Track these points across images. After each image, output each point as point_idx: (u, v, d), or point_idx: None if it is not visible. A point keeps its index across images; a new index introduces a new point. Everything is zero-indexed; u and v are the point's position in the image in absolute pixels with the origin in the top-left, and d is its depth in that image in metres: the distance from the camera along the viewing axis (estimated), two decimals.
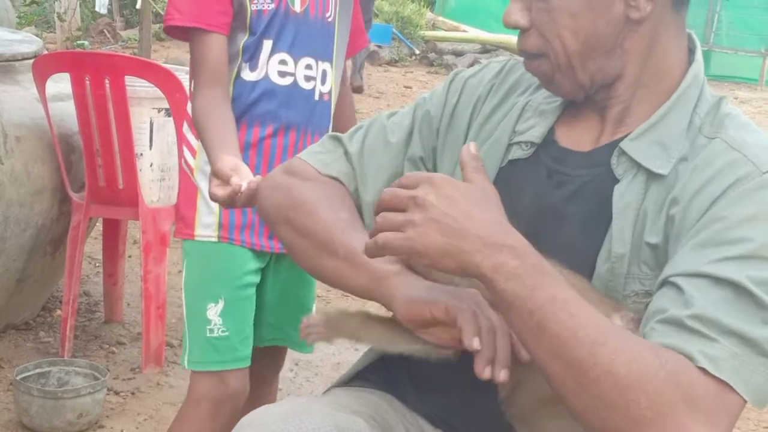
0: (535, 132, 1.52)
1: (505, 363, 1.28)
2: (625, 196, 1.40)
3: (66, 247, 3.76)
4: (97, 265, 4.59)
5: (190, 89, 2.51)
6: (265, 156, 2.48)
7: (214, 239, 2.51)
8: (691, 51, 1.50)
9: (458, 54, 13.93)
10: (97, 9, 11.70)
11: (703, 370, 1.19)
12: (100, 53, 4.88)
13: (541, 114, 1.53)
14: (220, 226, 2.50)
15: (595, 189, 1.43)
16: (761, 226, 1.28)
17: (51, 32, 11.38)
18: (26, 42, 4.07)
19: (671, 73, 1.46)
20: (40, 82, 3.64)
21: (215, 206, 2.45)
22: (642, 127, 1.43)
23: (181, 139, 2.52)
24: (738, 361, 1.21)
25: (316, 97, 2.50)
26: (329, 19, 2.54)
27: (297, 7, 2.47)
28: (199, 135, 2.39)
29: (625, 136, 1.44)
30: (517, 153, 1.53)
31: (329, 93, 2.55)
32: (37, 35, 9.80)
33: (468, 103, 1.63)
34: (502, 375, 1.27)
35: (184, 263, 2.55)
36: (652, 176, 1.39)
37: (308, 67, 2.49)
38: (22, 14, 8.35)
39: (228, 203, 2.09)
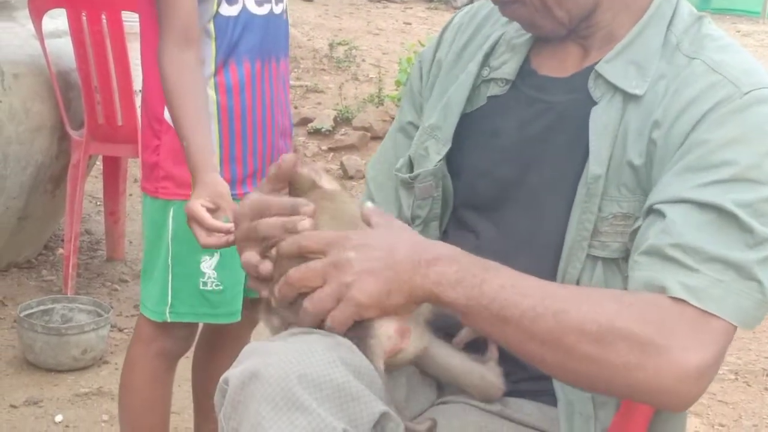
0: (508, 68, 1.50)
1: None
2: (602, 117, 1.38)
3: (66, 185, 3.76)
4: (98, 203, 4.59)
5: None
6: (258, 93, 2.41)
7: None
8: None
9: None
10: None
11: (682, 300, 1.20)
12: None
13: (513, 48, 1.52)
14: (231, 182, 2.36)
15: (575, 114, 1.41)
16: (744, 148, 1.27)
17: None
18: None
19: None
20: (37, 18, 3.61)
21: (214, 161, 2.33)
22: (616, 48, 1.41)
23: (160, 87, 2.31)
24: (721, 288, 1.21)
25: (285, 18, 2.44)
26: None
27: None
28: (172, 112, 2.24)
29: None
30: (494, 90, 1.51)
31: (286, 10, 2.47)
32: None
33: (439, 56, 1.62)
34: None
35: (164, 212, 2.39)
36: (628, 97, 1.37)
37: None
38: None
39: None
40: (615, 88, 1.38)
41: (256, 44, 2.36)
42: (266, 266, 1.27)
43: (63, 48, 3.71)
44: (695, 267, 1.22)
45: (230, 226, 1.91)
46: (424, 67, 1.64)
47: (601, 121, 1.38)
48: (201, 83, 2.27)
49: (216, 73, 2.32)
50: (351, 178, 5.92)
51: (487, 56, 1.54)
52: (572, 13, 1.42)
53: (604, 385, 1.23)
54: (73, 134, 3.72)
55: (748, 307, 1.23)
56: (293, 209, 1.26)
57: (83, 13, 3.52)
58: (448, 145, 1.51)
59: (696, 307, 1.20)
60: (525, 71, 1.49)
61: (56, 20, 3.71)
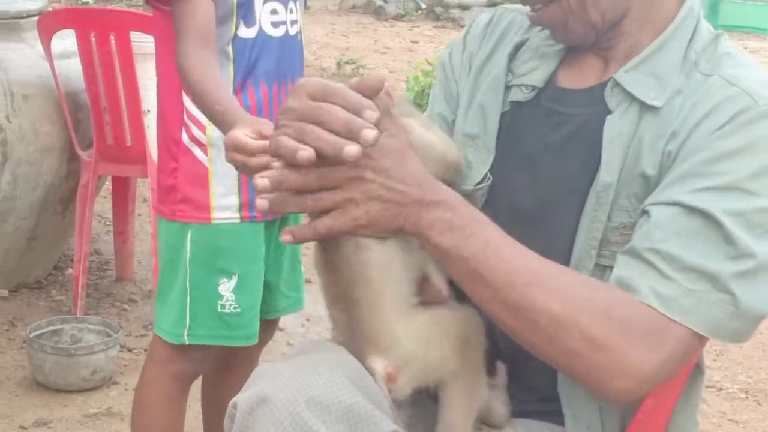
0: (537, 75, 1.50)
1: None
2: (616, 126, 1.38)
3: (76, 205, 3.76)
4: (107, 223, 4.60)
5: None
6: (275, 115, 2.41)
7: (237, 220, 2.40)
8: None
9: (465, 8, 13.84)
10: None
11: (650, 306, 1.23)
12: (105, 9, 4.85)
13: (542, 56, 1.51)
14: (242, 206, 2.39)
15: (591, 126, 1.42)
16: (747, 158, 1.27)
17: None
18: None
19: (669, 5, 1.44)
20: (46, 39, 3.63)
21: (233, 184, 2.37)
22: (636, 60, 1.41)
23: (178, 109, 2.39)
24: (693, 297, 1.23)
25: (299, 39, 2.46)
26: None
27: None
28: (200, 100, 2.21)
29: None
30: (517, 95, 1.51)
31: (300, 32, 2.48)
32: None
33: (464, 61, 1.62)
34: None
35: (182, 235, 2.39)
36: (645, 108, 1.38)
37: (291, 11, 2.42)
38: None
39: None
40: (632, 98, 1.39)
41: (272, 66, 2.37)
42: (307, 152, 1.17)
43: (72, 69, 3.73)
44: (670, 275, 1.24)
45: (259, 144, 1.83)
46: (455, 55, 1.63)
47: (616, 129, 1.38)
48: (221, 77, 2.24)
49: (234, 95, 2.30)
50: None
51: (510, 62, 1.54)
52: (606, 16, 1.41)
53: (551, 361, 1.28)
54: (83, 155, 3.73)
55: (719, 318, 1.24)
56: (360, 108, 1.18)
57: (92, 34, 3.53)
58: (492, 154, 1.51)
59: (661, 313, 1.23)
60: (548, 82, 1.50)
61: (65, 41, 3.73)
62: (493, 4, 14.31)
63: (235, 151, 1.83)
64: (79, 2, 10.02)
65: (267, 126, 2.01)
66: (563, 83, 1.49)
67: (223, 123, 2.13)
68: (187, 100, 2.38)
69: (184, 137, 2.38)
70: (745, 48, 13.19)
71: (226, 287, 2.40)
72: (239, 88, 2.34)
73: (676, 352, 1.24)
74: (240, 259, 2.41)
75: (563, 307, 1.22)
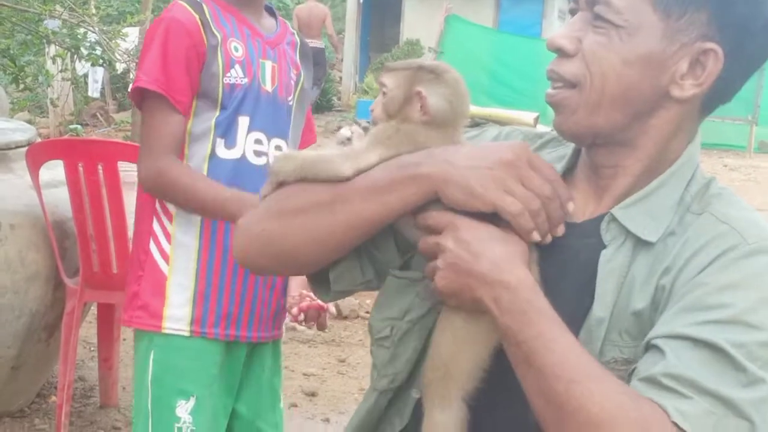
0: None
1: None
2: (611, 261, 1.40)
3: (60, 332, 3.77)
4: (92, 349, 4.59)
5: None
6: None
7: (186, 334, 2.43)
8: None
9: None
10: (89, 94, 11.79)
11: (676, 425, 1.22)
12: (93, 140, 4.92)
13: None
14: (193, 320, 2.44)
15: (585, 259, 1.44)
16: (743, 292, 1.30)
17: (44, 117, 11.47)
18: (20, 130, 4.12)
19: (674, 153, 1.47)
20: (34, 169, 3.68)
21: (189, 297, 2.42)
22: (634, 197, 1.44)
23: (148, 220, 2.49)
24: (713, 419, 1.24)
25: None
26: (290, 103, 2.55)
27: (268, 86, 2.47)
28: (191, 192, 2.33)
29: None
30: None
31: None
32: (30, 120, 9.88)
33: None
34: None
35: (148, 353, 2.44)
36: (640, 244, 1.40)
37: (278, 147, 2.48)
38: (14, 100, 8.44)
39: None
40: (627, 233, 1.41)
41: (250, 191, 2.38)
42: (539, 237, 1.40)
43: (59, 197, 3.77)
44: (689, 395, 1.24)
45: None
46: None
47: (610, 265, 1.40)
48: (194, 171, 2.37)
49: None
50: (345, 318, 5.93)
51: None
52: (613, 131, 1.43)
53: None
54: (68, 282, 3.75)
55: None
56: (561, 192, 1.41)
57: (80, 164, 3.59)
58: None
59: (683, 429, 1.22)
60: None
61: (53, 171, 3.78)
62: (475, 125, 14.49)
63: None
64: (68, 128, 10.16)
65: None
66: None
67: (225, 204, 2.30)
68: (158, 209, 2.45)
69: (151, 246, 2.45)
70: (725, 165, 13.37)
71: (183, 409, 2.41)
72: None
73: None
74: (197, 380, 2.43)
75: (602, 409, 1.24)
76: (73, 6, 6.02)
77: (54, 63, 7.32)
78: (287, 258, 1.55)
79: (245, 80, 2.43)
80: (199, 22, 2.41)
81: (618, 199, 1.46)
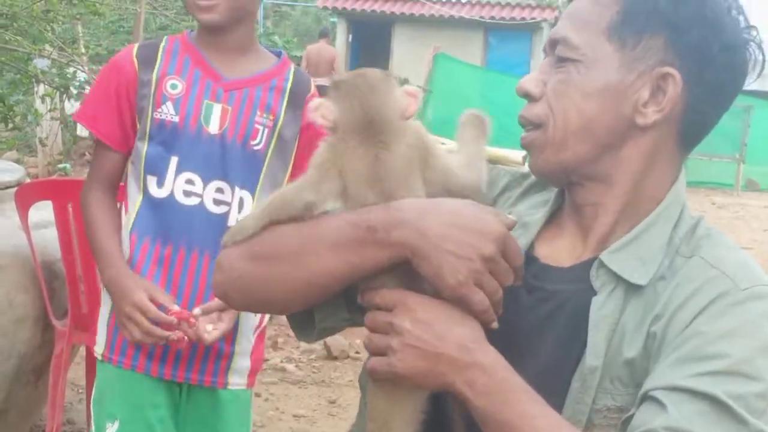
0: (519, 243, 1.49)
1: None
2: (602, 309, 1.39)
3: (49, 375, 3.73)
4: (80, 391, 4.55)
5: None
6: (164, 273, 2.50)
7: (99, 357, 2.56)
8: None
9: None
10: (78, 133, 11.78)
11: None
12: (82, 180, 4.89)
13: (524, 226, 1.52)
14: (105, 344, 2.56)
15: (575, 304, 1.43)
16: (739, 341, 1.29)
17: (33, 156, 11.45)
18: (8, 171, 4.09)
19: (656, 190, 1.47)
20: (23, 210, 3.66)
21: (105, 322, 2.55)
22: (622, 241, 1.43)
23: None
24: None
25: (232, 224, 2.42)
26: (256, 148, 2.50)
27: (213, 129, 2.47)
28: (90, 233, 2.54)
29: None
30: None
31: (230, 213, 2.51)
32: (18, 160, 9.86)
33: None
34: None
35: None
36: (631, 290, 1.39)
37: (219, 190, 2.47)
38: (3, 139, 8.42)
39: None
40: (617, 279, 1.40)
41: (165, 229, 2.50)
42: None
43: (48, 238, 3.75)
44: None
45: (171, 319, 2.35)
46: None
47: (602, 312, 1.39)
48: (117, 218, 2.56)
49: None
50: (335, 358, 5.90)
51: None
52: (582, 167, 1.45)
53: None
54: (57, 324, 3.72)
55: None
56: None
57: (69, 204, 3.57)
58: None
59: None
60: (528, 256, 1.49)
61: (42, 211, 3.76)
62: None
63: (139, 313, 2.39)
64: (57, 167, 10.14)
65: (159, 294, 2.42)
66: (545, 258, 1.50)
67: (100, 260, 2.49)
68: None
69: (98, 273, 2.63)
70: (713, 203, 13.42)
71: (114, 429, 2.51)
72: (134, 241, 2.52)
73: None
74: (120, 404, 2.52)
75: None
76: (63, 45, 6.03)
77: (43, 102, 7.32)
78: (263, 302, 1.55)
79: (176, 118, 2.46)
80: (135, 59, 2.53)
81: (602, 240, 1.46)
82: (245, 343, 2.62)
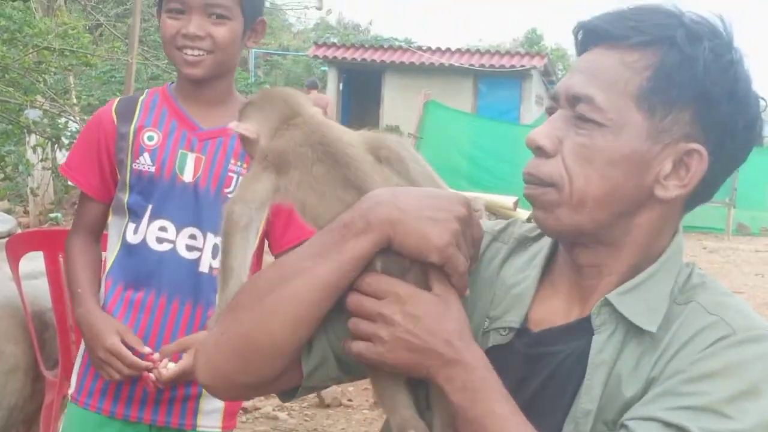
0: (512, 317, 1.47)
1: None
2: (602, 352, 1.38)
3: (39, 425, 3.70)
4: None
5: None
6: (134, 316, 2.53)
7: (69, 399, 2.59)
8: None
9: None
10: (70, 183, 11.79)
11: None
12: None
13: (516, 297, 1.49)
14: (75, 387, 2.58)
15: (572, 361, 1.42)
16: (723, 381, 1.30)
17: (24, 206, 11.45)
18: None
19: (660, 252, 1.45)
20: (14, 261, 3.66)
21: (78, 362, 2.60)
22: (628, 285, 1.41)
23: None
24: None
25: (203, 269, 2.50)
26: (230, 195, 2.50)
27: (187, 177, 2.52)
28: (69, 275, 2.64)
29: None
30: (496, 339, 1.47)
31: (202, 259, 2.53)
32: (10, 209, 9.87)
33: None
34: None
35: None
36: (632, 333, 1.38)
37: (192, 236, 2.50)
38: None
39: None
40: (618, 320, 1.39)
41: (135, 273, 2.54)
42: None
43: (39, 288, 3.74)
44: None
45: (147, 364, 2.43)
46: None
47: (600, 356, 1.38)
48: (97, 263, 2.65)
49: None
50: (327, 406, 5.87)
51: (488, 308, 1.51)
52: (598, 230, 1.41)
53: None
54: (48, 374, 3.70)
55: None
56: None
57: (60, 255, 3.57)
58: None
59: None
60: (521, 329, 1.47)
61: (33, 262, 3.76)
62: None
63: (113, 358, 2.44)
64: (49, 217, 10.14)
65: (129, 335, 2.48)
66: (539, 322, 1.47)
67: (74, 300, 2.58)
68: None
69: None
70: (704, 248, 13.45)
71: None
72: (108, 286, 2.57)
73: None
74: None
75: None
76: (55, 96, 6.06)
77: (35, 152, 7.35)
78: (253, 350, 1.43)
79: (152, 168, 2.52)
80: (114, 113, 2.60)
81: (602, 294, 1.44)
82: None
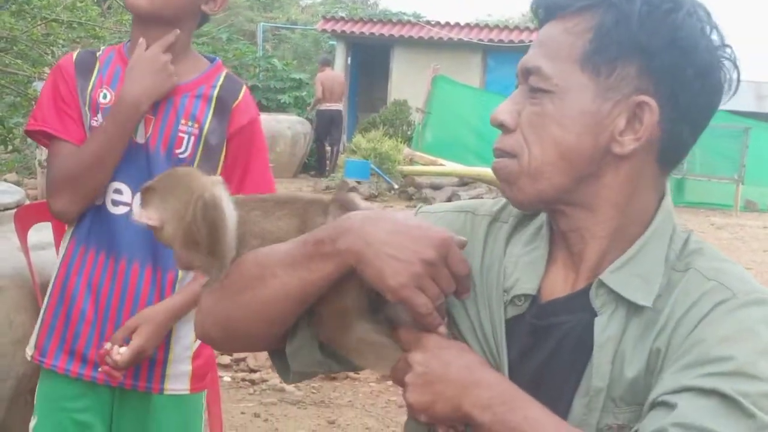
0: (527, 284, 1.50)
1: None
2: (606, 330, 1.40)
3: None
4: None
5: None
6: (96, 281, 2.56)
7: (29, 358, 2.62)
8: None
9: (436, 187, 14.11)
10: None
11: None
12: None
13: (528, 264, 1.51)
14: (35, 345, 2.61)
15: (577, 332, 1.44)
16: (740, 344, 1.31)
17: (32, 178, 11.47)
18: (8, 192, 4.11)
19: (646, 218, 1.47)
20: (22, 232, 3.66)
21: (38, 322, 2.63)
22: (620, 261, 1.44)
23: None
24: None
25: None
26: (182, 156, 2.51)
27: (139, 138, 2.50)
28: (86, 152, 2.50)
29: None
30: (513, 310, 1.50)
31: None
32: (18, 182, 9.88)
33: None
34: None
35: None
36: (632, 309, 1.40)
37: None
38: (2, 161, 8.44)
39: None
40: (618, 299, 1.41)
41: (104, 238, 2.54)
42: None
43: (47, 259, 3.74)
44: None
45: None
46: None
47: (606, 333, 1.40)
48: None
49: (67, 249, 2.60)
50: (334, 378, 5.89)
51: (503, 281, 1.53)
52: (561, 195, 1.44)
53: None
54: None
55: None
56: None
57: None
58: None
59: None
60: (533, 298, 1.50)
61: (41, 233, 3.76)
62: (464, 184, 14.58)
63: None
64: None
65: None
66: (544, 296, 1.50)
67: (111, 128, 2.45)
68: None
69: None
70: (712, 224, 13.44)
71: (32, 425, 2.62)
72: (72, 247, 2.59)
73: None
74: (39, 401, 2.61)
75: None
76: None
77: None
78: (237, 334, 1.55)
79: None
80: (74, 66, 2.55)
81: (595, 266, 1.46)
82: (179, 350, 2.64)
